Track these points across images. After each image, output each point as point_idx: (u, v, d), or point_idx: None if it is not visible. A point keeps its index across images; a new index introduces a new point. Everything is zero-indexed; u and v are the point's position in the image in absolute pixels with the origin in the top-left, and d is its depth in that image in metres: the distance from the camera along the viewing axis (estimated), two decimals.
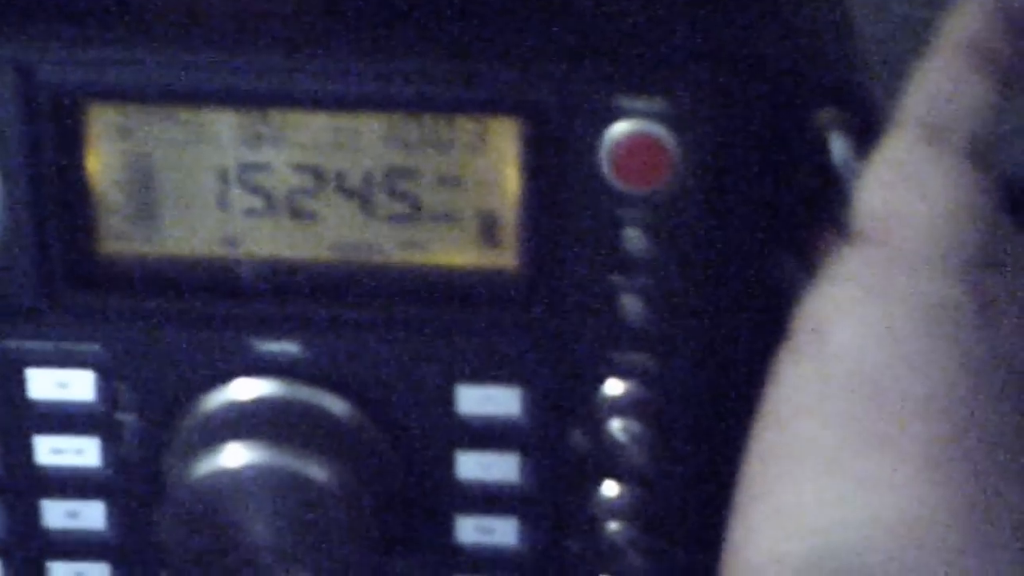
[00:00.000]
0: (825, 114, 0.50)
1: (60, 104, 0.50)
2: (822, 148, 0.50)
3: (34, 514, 0.54)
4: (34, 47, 0.49)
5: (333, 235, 0.52)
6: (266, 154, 0.51)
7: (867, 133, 0.49)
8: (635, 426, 0.53)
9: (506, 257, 0.52)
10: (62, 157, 0.51)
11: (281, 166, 0.51)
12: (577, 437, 0.54)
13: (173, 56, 0.50)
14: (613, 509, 0.54)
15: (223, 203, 0.52)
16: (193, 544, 0.52)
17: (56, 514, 0.54)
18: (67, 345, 0.53)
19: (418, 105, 0.50)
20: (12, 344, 0.53)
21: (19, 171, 0.50)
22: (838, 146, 0.50)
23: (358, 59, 0.50)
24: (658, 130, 0.49)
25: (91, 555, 0.55)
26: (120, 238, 0.52)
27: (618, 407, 0.53)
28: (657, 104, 0.49)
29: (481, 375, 0.53)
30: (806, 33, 0.52)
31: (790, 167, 0.51)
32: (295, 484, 0.51)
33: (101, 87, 0.50)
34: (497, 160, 0.51)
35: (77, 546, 0.55)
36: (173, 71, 0.50)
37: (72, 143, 0.51)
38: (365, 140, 0.51)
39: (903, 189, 0.43)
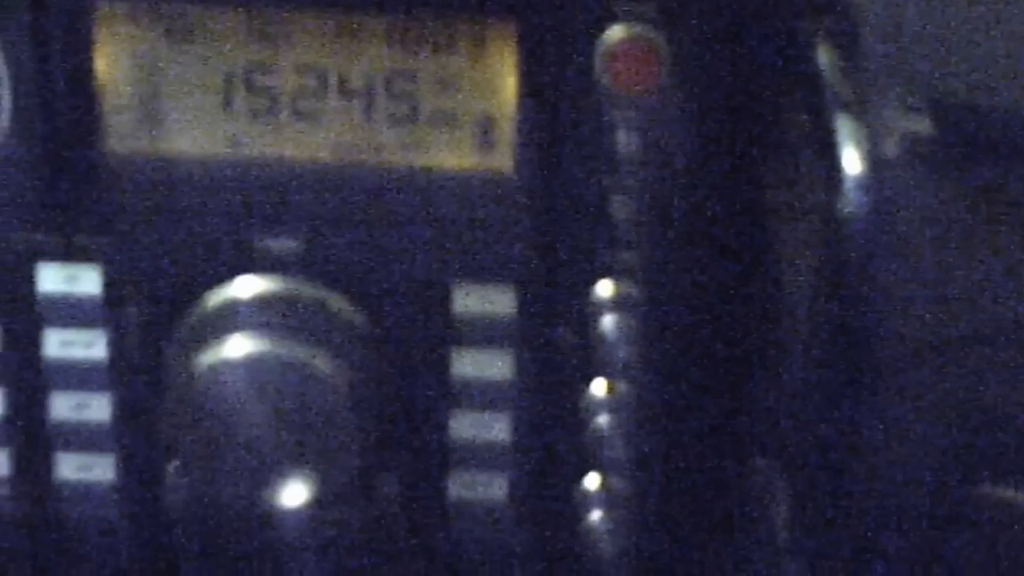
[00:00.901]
0: (812, 21, 0.52)
1: (68, 3, 0.51)
2: (808, 55, 0.52)
3: (42, 407, 0.56)
4: None
5: (334, 136, 0.53)
6: (270, 56, 0.52)
7: (851, 40, 0.51)
8: (624, 323, 0.55)
9: (502, 159, 0.54)
10: (70, 56, 0.52)
11: (285, 68, 0.53)
12: (568, 335, 0.55)
13: None
14: (602, 405, 0.56)
15: (228, 104, 0.53)
16: (196, 436, 0.53)
17: (63, 406, 0.56)
18: (75, 240, 0.54)
19: (419, 7, 0.52)
20: (21, 239, 0.54)
21: (28, 70, 0.52)
22: (824, 53, 0.51)
23: None
24: (650, 33, 0.51)
25: (97, 448, 0.56)
26: (127, 137, 0.53)
27: (608, 305, 0.55)
28: (649, 8, 0.51)
29: (476, 274, 0.54)
30: None
31: (776, 73, 0.53)
32: (296, 375, 0.53)
33: None
34: (495, 64, 0.52)
35: (83, 438, 0.56)
36: None
37: (80, 42, 0.52)
38: (367, 42, 0.52)
39: None
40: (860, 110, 0.50)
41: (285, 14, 0.52)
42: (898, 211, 0.51)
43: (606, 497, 0.57)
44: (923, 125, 0.52)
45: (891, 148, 0.51)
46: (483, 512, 0.57)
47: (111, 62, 0.52)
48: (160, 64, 0.52)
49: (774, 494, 0.57)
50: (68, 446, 0.56)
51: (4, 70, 0.52)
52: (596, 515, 0.57)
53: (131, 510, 0.58)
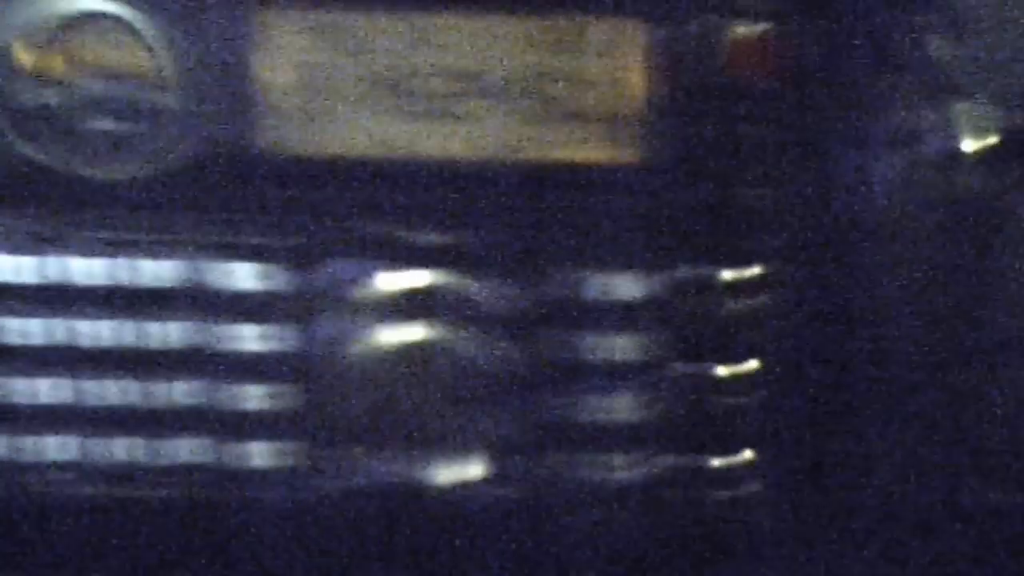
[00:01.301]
0: (924, 13, 0.56)
1: (233, 9, 0.55)
2: (921, 47, 0.56)
3: (216, 393, 0.59)
4: None
5: (477, 134, 0.57)
6: (419, 60, 0.56)
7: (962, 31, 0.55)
8: (748, 305, 0.58)
9: (633, 152, 0.57)
10: (233, 61, 0.56)
11: (432, 71, 0.57)
12: (696, 318, 0.59)
13: None
14: (726, 384, 0.59)
15: (380, 105, 0.57)
16: (352, 422, 0.57)
17: (245, 393, 0.59)
18: (238, 238, 0.58)
19: (555, 11, 0.56)
20: (189, 238, 0.58)
21: (194, 74, 0.56)
22: (936, 46, 0.55)
23: None
24: (773, 29, 0.55)
25: (267, 434, 0.60)
26: (284, 138, 0.57)
27: (733, 288, 0.58)
28: (770, 5, 0.55)
29: (609, 260, 0.58)
30: None
31: (891, 62, 0.57)
32: (446, 359, 0.56)
33: None
34: (625, 62, 0.56)
35: (255, 424, 0.59)
36: None
37: (242, 48, 0.56)
38: (507, 46, 0.56)
39: None
40: (968, 97, 0.54)
41: (433, 21, 0.56)
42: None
43: (732, 473, 0.60)
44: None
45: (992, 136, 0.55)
46: (614, 490, 0.61)
47: (271, 66, 0.56)
48: (317, 68, 0.56)
49: (889, 463, 0.60)
50: (243, 432, 0.60)
51: (173, 74, 0.56)
52: (728, 491, 0.60)
53: (319, 494, 0.61)
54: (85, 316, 0.59)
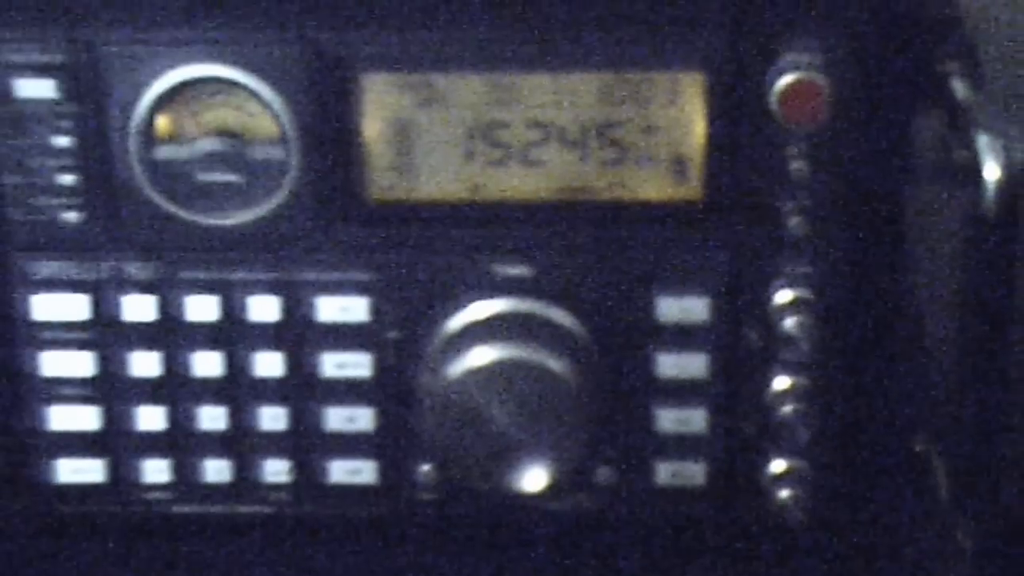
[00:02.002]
0: (948, 58, 0.63)
1: (339, 73, 0.62)
2: (946, 88, 0.63)
3: (316, 418, 0.66)
4: (324, 29, 0.62)
5: (556, 178, 0.64)
6: (503, 113, 0.64)
7: (981, 71, 0.62)
8: (801, 324, 0.65)
9: (694, 189, 0.64)
10: (341, 120, 0.63)
11: (515, 123, 0.64)
12: (754, 336, 0.66)
13: (430, 30, 0.62)
14: (785, 397, 0.66)
15: (469, 155, 0.64)
16: (449, 438, 0.64)
17: (334, 418, 0.66)
18: (347, 275, 0.65)
19: (622, 66, 0.63)
20: (301, 276, 0.65)
21: (309, 132, 0.63)
22: (960, 86, 0.62)
23: (575, 30, 0.62)
24: (817, 77, 0.62)
25: (361, 453, 0.67)
26: (387, 186, 0.64)
27: (787, 309, 0.65)
28: (815, 56, 0.62)
29: (675, 287, 0.65)
30: None
31: (921, 104, 0.64)
32: (535, 376, 0.63)
33: (372, 58, 0.62)
34: (686, 110, 0.64)
35: (349, 445, 0.67)
36: (430, 43, 0.62)
37: (349, 108, 0.63)
38: (581, 99, 0.64)
39: None
40: (994, 130, 0.61)
41: (514, 78, 0.63)
42: None
43: (791, 478, 0.67)
44: None
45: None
46: (685, 496, 0.67)
47: (374, 124, 0.63)
48: (414, 124, 0.63)
49: (935, 470, 0.66)
50: (337, 453, 0.67)
51: (292, 134, 0.63)
52: (783, 493, 0.67)
53: (389, 507, 0.68)
54: (190, 349, 0.66)
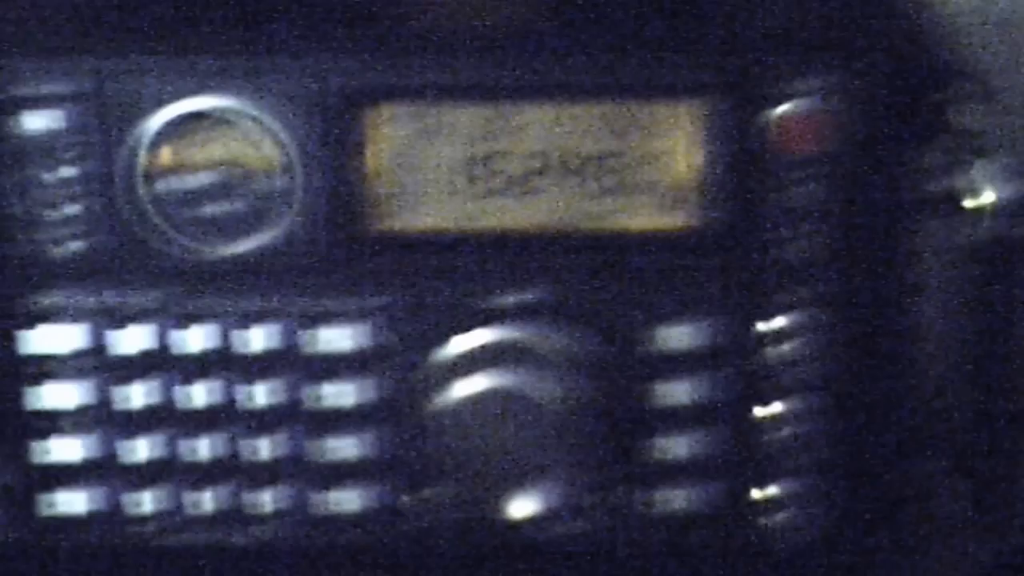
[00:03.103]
0: (947, 91, 0.64)
1: (342, 104, 0.63)
2: (945, 121, 0.63)
3: (316, 448, 0.67)
4: (329, 62, 0.63)
5: (554, 208, 0.65)
6: (503, 144, 0.64)
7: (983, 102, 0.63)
8: (796, 352, 0.65)
9: (691, 219, 0.65)
10: (346, 151, 0.63)
11: (515, 153, 0.64)
12: (750, 364, 0.66)
13: (432, 62, 0.63)
14: (776, 422, 0.66)
15: (470, 185, 0.65)
16: (444, 467, 0.64)
17: (336, 444, 0.67)
18: (348, 304, 0.65)
19: (621, 97, 0.63)
20: (303, 306, 0.65)
21: (314, 163, 0.63)
22: (958, 116, 0.63)
23: (574, 61, 0.63)
24: (816, 107, 0.63)
25: (358, 483, 0.67)
26: (386, 216, 0.65)
27: (783, 337, 0.65)
28: (816, 85, 0.62)
29: (671, 315, 0.65)
30: (923, 22, 0.65)
31: (919, 136, 0.64)
32: (526, 405, 0.63)
33: (375, 89, 0.63)
34: (685, 139, 0.64)
35: (348, 475, 0.67)
36: (431, 74, 0.63)
37: (353, 140, 0.63)
38: (580, 128, 0.64)
39: None
40: (994, 159, 0.61)
41: (514, 109, 0.64)
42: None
43: (784, 504, 0.67)
44: None
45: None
46: (677, 523, 0.67)
47: (375, 154, 0.64)
48: (414, 154, 0.64)
49: (940, 491, 0.67)
50: (335, 478, 0.67)
51: (296, 165, 0.63)
52: (776, 519, 0.67)
53: (374, 535, 0.68)
54: (189, 380, 0.66)
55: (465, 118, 0.64)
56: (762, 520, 0.67)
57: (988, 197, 0.60)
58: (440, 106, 0.63)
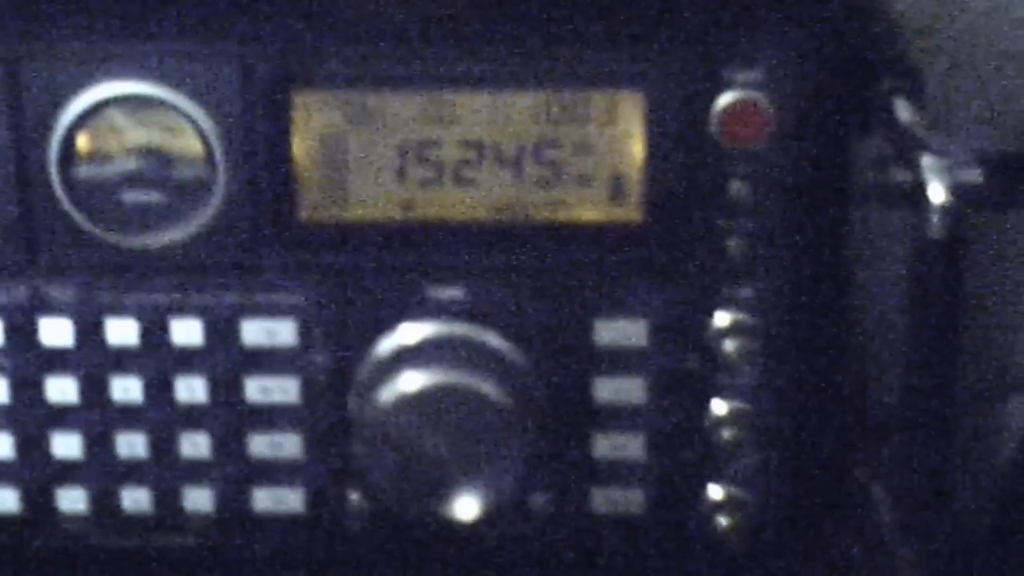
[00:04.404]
0: (890, 80, 0.62)
1: (268, 90, 0.61)
2: (889, 110, 0.62)
3: (241, 445, 0.64)
4: (254, 46, 0.60)
5: (491, 198, 0.63)
6: (436, 132, 0.62)
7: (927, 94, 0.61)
8: (741, 348, 0.64)
9: (632, 211, 0.63)
10: (272, 139, 0.61)
11: (448, 142, 0.62)
12: (693, 361, 0.64)
13: (363, 47, 0.60)
14: (723, 422, 0.65)
15: (401, 175, 0.62)
16: (382, 465, 0.62)
17: (260, 445, 0.65)
18: (274, 298, 0.63)
19: (559, 84, 0.61)
20: (227, 299, 0.63)
21: (237, 151, 0.61)
22: (902, 108, 0.61)
23: (511, 48, 0.61)
24: (759, 97, 0.61)
25: (288, 480, 0.65)
26: (316, 206, 0.62)
27: (728, 333, 0.64)
28: (756, 75, 0.61)
29: (613, 310, 0.64)
30: (868, 10, 0.64)
31: (865, 127, 0.63)
32: (468, 401, 0.61)
33: (303, 75, 0.60)
34: (625, 129, 0.62)
35: (277, 473, 0.65)
36: (362, 60, 0.60)
37: (278, 124, 0.61)
38: (516, 117, 0.62)
39: None
40: (938, 152, 0.60)
41: (448, 97, 0.62)
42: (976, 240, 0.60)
43: (731, 505, 0.65)
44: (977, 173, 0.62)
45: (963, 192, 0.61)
46: (624, 524, 0.66)
47: (304, 142, 0.62)
48: (345, 143, 0.62)
49: (878, 500, 0.65)
50: (263, 480, 0.65)
51: (219, 153, 0.61)
52: (723, 521, 0.65)
53: (318, 537, 0.66)
54: (113, 374, 0.64)
55: (398, 105, 0.61)
56: (711, 520, 0.65)
57: (936, 191, 0.58)
58: (371, 93, 0.61)
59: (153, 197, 0.61)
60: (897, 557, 0.63)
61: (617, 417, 0.64)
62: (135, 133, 0.61)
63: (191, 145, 0.61)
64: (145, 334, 0.63)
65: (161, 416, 0.64)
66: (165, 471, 0.64)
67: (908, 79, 0.63)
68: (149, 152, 0.61)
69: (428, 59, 0.61)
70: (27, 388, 0.63)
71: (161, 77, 0.60)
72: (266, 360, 0.63)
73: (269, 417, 0.64)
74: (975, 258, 0.59)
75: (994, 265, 0.61)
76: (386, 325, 0.63)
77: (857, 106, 0.62)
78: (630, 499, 0.65)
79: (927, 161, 0.59)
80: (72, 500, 0.65)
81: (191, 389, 0.64)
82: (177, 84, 0.60)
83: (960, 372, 0.60)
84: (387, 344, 0.63)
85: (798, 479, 0.65)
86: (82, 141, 0.61)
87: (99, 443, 0.64)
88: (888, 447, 0.65)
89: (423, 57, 0.61)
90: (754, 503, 0.65)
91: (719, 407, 0.64)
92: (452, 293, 0.63)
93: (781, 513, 0.65)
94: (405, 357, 0.62)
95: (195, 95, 0.60)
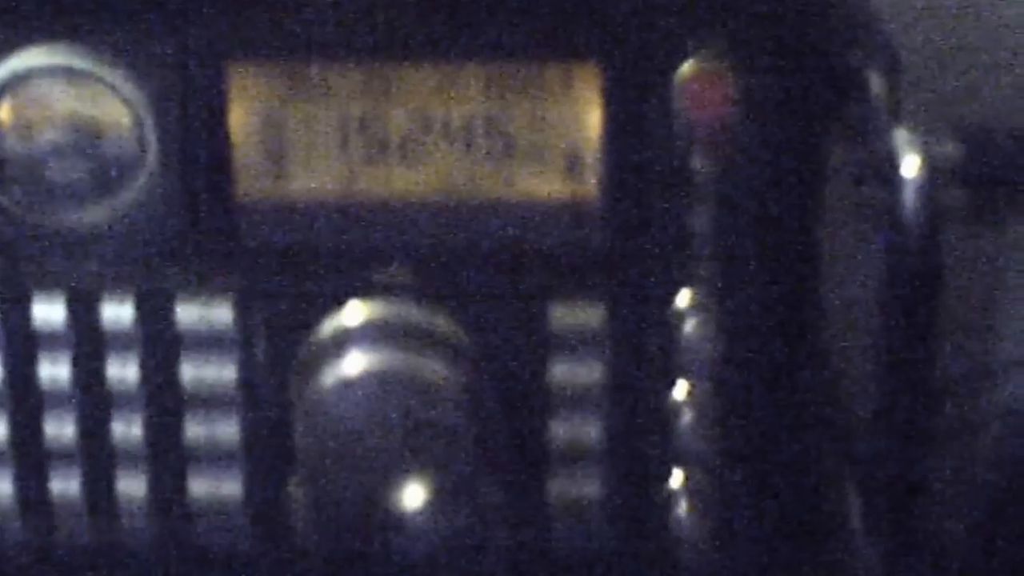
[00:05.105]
0: (862, 51, 0.59)
1: (201, 61, 0.57)
2: (861, 83, 0.59)
3: (176, 432, 0.61)
4: (187, 15, 0.57)
5: (438, 175, 0.60)
6: (381, 105, 0.59)
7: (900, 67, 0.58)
8: (704, 331, 0.61)
9: (588, 188, 0.60)
10: (207, 112, 0.58)
11: (394, 115, 0.59)
12: (653, 344, 0.61)
13: (301, 15, 0.57)
14: (684, 405, 0.62)
15: (344, 149, 0.59)
16: (322, 449, 0.59)
17: (196, 432, 0.61)
18: (210, 279, 0.60)
19: (511, 54, 0.58)
20: (161, 280, 0.60)
21: (171, 125, 0.58)
22: (874, 81, 0.58)
23: (459, 16, 0.57)
24: (723, 68, 0.58)
25: (225, 469, 0.62)
26: (255, 182, 0.59)
27: (687, 313, 0.61)
28: (719, 44, 0.58)
29: (568, 291, 0.60)
30: None
31: (833, 100, 0.59)
32: (414, 386, 0.58)
33: (238, 45, 0.57)
34: (580, 101, 0.59)
35: (214, 461, 0.62)
36: (301, 29, 0.57)
37: (215, 99, 0.58)
38: (466, 89, 0.59)
39: None
40: (912, 126, 0.57)
41: (393, 67, 0.58)
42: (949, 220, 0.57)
43: (691, 493, 0.63)
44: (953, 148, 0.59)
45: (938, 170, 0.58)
46: (578, 511, 0.63)
47: (242, 116, 0.58)
48: (284, 116, 0.58)
49: (846, 493, 0.63)
50: (200, 467, 0.62)
51: (151, 125, 0.58)
52: (682, 510, 0.63)
53: (257, 525, 0.63)
54: (42, 360, 0.61)
55: (339, 77, 0.58)
56: (668, 511, 0.62)
57: (909, 166, 0.55)
58: (311, 64, 0.58)
59: (80, 172, 0.58)
60: (864, 552, 0.61)
61: (573, 402, 0.61)
62: (61, 104, 0.58)
63: (120, 119, 0.57)
64: (73, 317, 0.60)
65: (91, 402, 0.60)
66: (95, 458, 0.61)
67: (883, 50, 0.59)
68: (76, 125, 0.57)
69: (371, 27, 0.57)
70: None
71: (89, 47, 0.57)
72: (202, 344, 0.60)
73: (205, 403, 0.61)
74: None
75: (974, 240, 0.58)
76: (328, 307, 0.60)
77: (828, 78, 0.59)
78: (586, 487, 0.62)
79: (900, 136, 0.56)
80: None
81: (122, 374, 0.60)
82: (105, 54, 0.57)
83: (937, 357, 0.57)
84: (329, 326, 0.60)
85: (761, 466, 0.62)
86: (4, 113, 0.57)
87: (25, 429, 0.60)
88: (858, 437, 0.62)
89: (365, 24, 0.57)
90: (715, 491, 0.62)
91: (680, 391, 0.61)
92: (398, 272, 0.60)
93: (744, 501, 0.62)
94: (348, 340, 0.59)
95: (124, 66, 0.57)
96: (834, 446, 0.63)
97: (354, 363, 0.59)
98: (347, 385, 0.58)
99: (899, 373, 0.57)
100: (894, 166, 0.56)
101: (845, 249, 0.61)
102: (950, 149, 0.59)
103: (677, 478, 0.63)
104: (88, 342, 0.61)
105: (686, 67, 0.58)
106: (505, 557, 0.64)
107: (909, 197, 0.55)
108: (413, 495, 0.60)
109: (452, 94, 0.59)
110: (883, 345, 0.57)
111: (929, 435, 0.57)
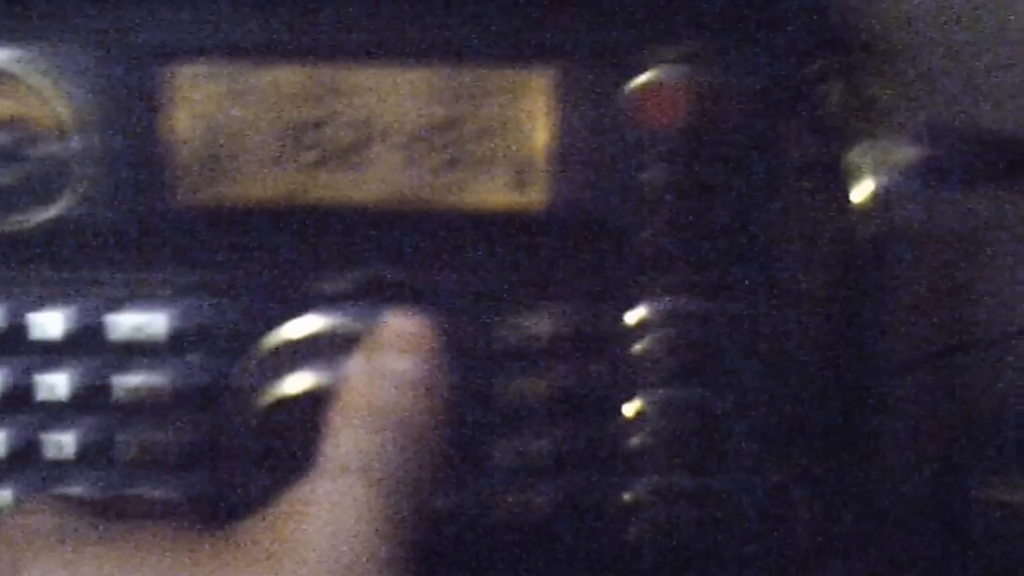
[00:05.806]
0: (820, 64, 0.57)
1: (138, 66, 0.55)
2: (818, 95, 0.57)
3: (108, 449, 0.59)
4: (122, 15, 0.55)
5: (383, 182, 0.58)
6: (324, 110, 0.57)
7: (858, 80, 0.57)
8: (655, 343, 0.59)
9: (538, 198, 0.58)
10: (142, 115, 0.56)
11: (337, 121, 0.57)
12: (604, 359, 0.60)
13: (242, 16, 0.55)
14: (635, 422, 0.60)
15: (284, 156, 0.57)
16: (259, 475, 0.57)
17: (128, 449, 0.59)
18: (144, 289, 0.58)
19: (458, 61, 0.56)
20: (94, 290, 0.58)
21: (100, 126, 0.56)
22: (834, 92, 0.57)
23: (406, 17, 0.56)
24: (675, 77, 0.56)
25: (159, 488, 0.60)
26: (191, 189, 0.57)
27: (640, 327, 0.59)
28: (673, 53, 0.56)
29: (516, 305, 0.59)
30: None
31: (792, 113, 0.58)
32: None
33: (176, 46, 0.55)
34: (529, 110, 0.57)
35: (150, 467, 0.59)
36: (242, 30, 0.55)
37: (151, 102, 0.56)
38: (411, 95, 0.57)
39: None
40: (867, 140, 0.56)
41: (336, 73, 0.56)
42: (904, 230, 0.57)
43: (644, 507, 0.61)
44: (924, 151, 0.58)
45: (895, 174, 0.57)
46: (529, 527, 0.61)
47: (178, 120, 0.56)
48: (224, 121, 0.56)
49: (794, 500, 0.61)
50: (133, 488, 0.60)
51: (81, 130, 0.55)
52: (635, 524, 0.61)
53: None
54: None
55: (285, 79, 0.56)
56: (620, 526, 0.61)
57: (867, 182, 0.54)
58: (256, 65, 0.56)
59: (17, 175, 0.56)
60: (816, 563, 0.59)
61: (520, 420, 0.60)
62: None
63: (59, 118, 0.55)
64: (4, 326, 0.57)
65: (21, 417, 0.58)
66: (25, 474, 0.59)
67: (838, 62, 0.58)
68: (12, 125, 0.55)
69: (314, 29, 0.55)
70: None
71: (26, 43, 0.55)
72: (135, 357, 0.58)
73: (138, 419, 0.58)
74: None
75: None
76: (268, 320, 0.58)
77: (783, 88, 0.58)
78: (535, 506, 0.60)
79: (854, 149, 0.55)
80: None
81: (52, 388, 0.58)
82: (44, 51, 0.55)
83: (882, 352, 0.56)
84: (269, 341, 0.58)
85: (714, 479, 0.61)
86: None
87: None
88: (809, 447, 0.61)
89: (309, 26, 0.55)
90: (667, 508, 0.60)
91: (631, 406, 0.60)
92: (340, 284, 0.58)
93: (694, 518, 0.61)
94: (289, 355, 0.57)
95: (64, 64, 0.55)
96: (787, 458, 0.62)
97: (295, 382, 0.57)
98: (289, 403, 0.56)
99: (846, 378, 0.56)
100: (847, 180, 0.55)
101: (799, 259, 0.60)
102: (904, 156, 0.58)
103: (630, 493, 0.61)
104: (17, 356, 0.59)
105: (639, 77, 0.56)
106: (453, 569, 0.62)
107: (861, 212, 0.54)
108: None
109: (397, 100, 0.57)
110: (835, 351, 0.56)
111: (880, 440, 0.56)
